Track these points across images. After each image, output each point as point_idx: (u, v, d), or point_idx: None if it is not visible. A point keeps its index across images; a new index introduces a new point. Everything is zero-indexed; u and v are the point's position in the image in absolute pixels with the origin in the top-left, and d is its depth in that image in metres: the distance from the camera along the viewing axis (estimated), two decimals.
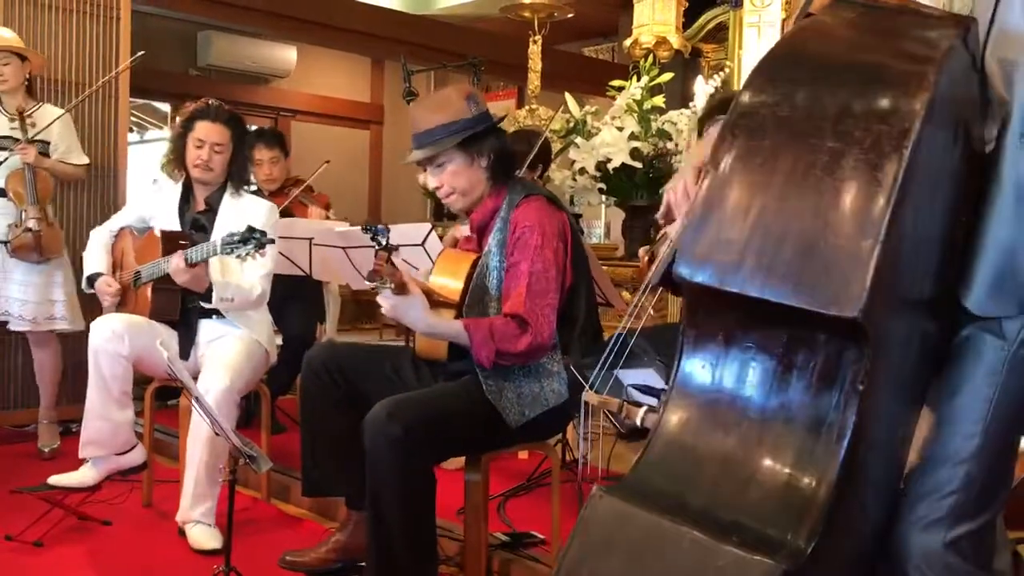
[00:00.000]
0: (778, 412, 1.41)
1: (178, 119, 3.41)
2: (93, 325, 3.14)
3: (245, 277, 3.15)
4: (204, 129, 3.25)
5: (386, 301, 2.33)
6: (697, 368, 1.50)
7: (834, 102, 1.38)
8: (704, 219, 1.41)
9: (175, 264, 3.03)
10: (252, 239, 2.85)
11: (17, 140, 3.75)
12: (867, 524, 1.54)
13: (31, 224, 3.74)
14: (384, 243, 2.26)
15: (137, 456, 3.28)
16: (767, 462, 1.41)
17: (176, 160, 3.34)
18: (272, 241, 2.94)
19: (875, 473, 1.52)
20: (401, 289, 2.31)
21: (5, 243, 3.77)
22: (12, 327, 3.86)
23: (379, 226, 2.28)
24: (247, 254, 2.87)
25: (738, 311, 1.43)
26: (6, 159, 3.75)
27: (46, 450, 3.92)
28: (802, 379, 1.40)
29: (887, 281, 1.30)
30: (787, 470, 1.39)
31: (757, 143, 1.40)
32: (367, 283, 2.28)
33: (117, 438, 3.20)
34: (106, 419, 3.15)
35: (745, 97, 1.46)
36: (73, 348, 3.93)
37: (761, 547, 1.31)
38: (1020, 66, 1.51)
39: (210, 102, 3.33)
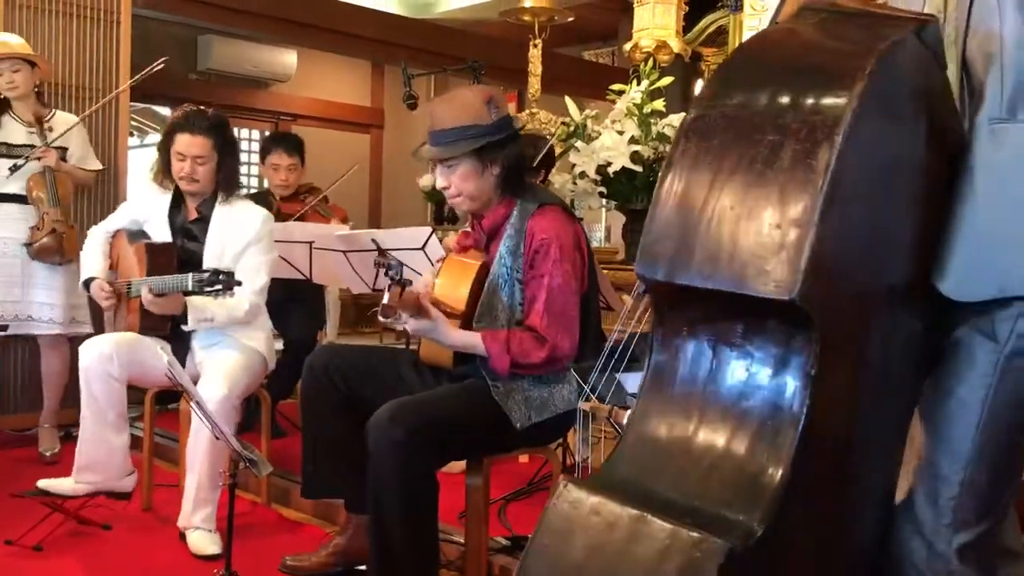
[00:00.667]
0: (739, 400, 1.46)
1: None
2: (82, 348, 3.11)
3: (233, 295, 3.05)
4: (183, 142, 3.19)
5: (410, 324, 2.34)
6: (666, 363, 1.55)
7: (777, 99, 1.44)
8: (658, 218, 1.48)
9: (144, 297, 3.02)
10: (218, 281, 2.83)
11: (34, 147, 3.79)
12: (857, 521, 1.56)
13: (55, 226, 3.78)
14: (397, 278, 2.24)
15: (128, 483, 3.22)
16: (728, 449, 1.45)
17: (163, 171, 3.29)
18: (239, 283, 2.90)
19: (864, 471, 1.54)
20: (420, 313, 2.32)
21: (28, 245, 3.80)
22: (36, 331, 3.87)
23: (392, 261, 2.26)
24: (216, 294, 2.86)
25: (696, 304, 1.49)
26: (25, 164, 3.78)
27: (47, 454, 3.92)
28: (759, 366, 1.45)
29: (833, 267, 1.35)
30: (746, 456, 1.43)
31: (707, 143, 1.47)
32: (380, 319, 2.26)
33: (112, 464, 3.15)
34: (102, 444, 3.11)
35: (699, 101, 1.53)
36: (74, 351, 3.93)
37: (711, 527, 1.35)
38: (994, 58, 1.53)
39: (189, 111, 3.26)
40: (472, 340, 2.41)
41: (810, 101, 1.40)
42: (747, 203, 1.38)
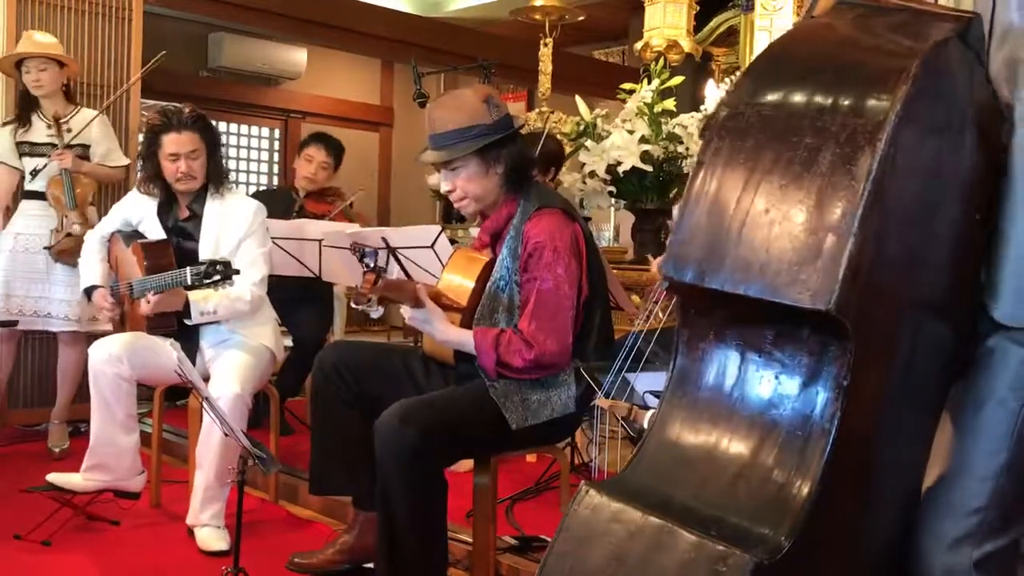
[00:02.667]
0: (767, 409, 1.42)
1: (141, 137, 3.35)
2: (91, 349, 3.10)
3: (232, 288, 3.02)
4: (174, 142, 3.16)
5: (407, 313, 2.35)
6: (690, 367, 1.51)
7: (815, 100, 1.39)
8: (688, 218, 1.43)
9: (143, 307, 3.00)
10: (216, 272, 2.82)
11: (55, 146, 3.82)
12: (878, 530, 1.53)
13: (73, 229, 3.80)
14: (372, 265, 2.26)
15: (138, 483, 3.21)
16: (754, 459, 1.41)
17: (150, 178, 3.26)
18: (237, 272, 2.89)
19: (885, 479, 1.51)
20: (416, 303, 2.33)
21: (48, 248, 3.83)
22: (55, 328, 3.89)
23: (367, 248, 2.28)
24: (215, 284, 2.86)
25: (725, 309, 1.45)
26: (46, 165, 3.81)
27: (56, 450, 3.94)
28: (789, 376, 1.41)
29: (871, 276, 1.30)
30: (772, 467, 1.39)
31: (741, 143, 1.41)
32: (353, 304, 2.27)
33: (122, 464, 3.13)
34: (111, 444, 3.10)
35: (732, 98, 1.47)
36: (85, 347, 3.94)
37: (738, 541, 1.32)
38: (1023, 63, 1.48)
39: (166, 111, 3.23)
40: (463, 337, 2.41)
41: (850, 103, 1.34)
42: (783, 207, 1.33)
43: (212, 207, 3.26)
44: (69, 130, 3.88)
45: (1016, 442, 1.46)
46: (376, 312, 2.30)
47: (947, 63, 1.40)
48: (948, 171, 1.43)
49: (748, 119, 1.42)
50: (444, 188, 2.53)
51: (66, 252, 3.81)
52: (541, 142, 3.70)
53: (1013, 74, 1.49)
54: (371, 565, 2.68)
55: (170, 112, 3.22)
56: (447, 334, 2.42)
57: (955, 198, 1.45)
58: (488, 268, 2.53)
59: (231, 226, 3.23)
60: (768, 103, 1.43)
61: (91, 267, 3.37)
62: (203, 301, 3.09)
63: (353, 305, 2.28)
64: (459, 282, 2.54)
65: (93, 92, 4.41)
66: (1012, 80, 1.49)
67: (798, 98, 1.41)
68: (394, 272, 2.60)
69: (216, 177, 3.28)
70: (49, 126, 3.86)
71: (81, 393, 3.93)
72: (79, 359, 3.95)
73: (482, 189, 2.49)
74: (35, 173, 3.80)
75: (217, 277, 2.84)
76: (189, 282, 2.90)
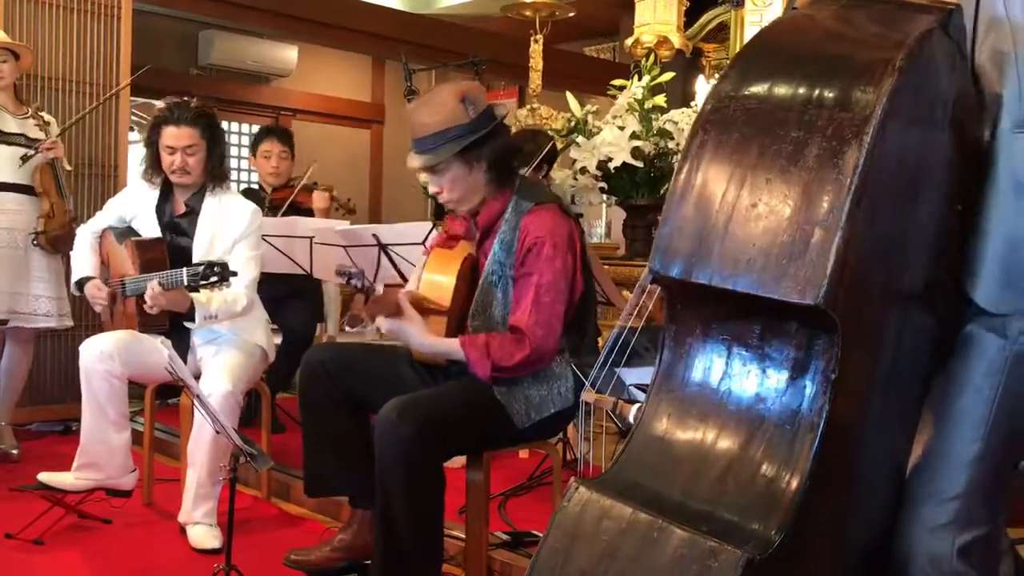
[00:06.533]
0: (754, 404, 1.43)
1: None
2: (82, 347, 3.08)
3: (229, 289, 3.02)
4: (171, 135, 3.16)
5: (385, 323, 2.33)
6: (677, 362, 1.51)
7: (801, 93, 1.39)
8: (675, 213, 1.43)
9: (149, 294, 2.96)
10: (213, 274, 2.81)
11: (24, 135, 3.79)
12: (866, 521, 1.54)
13: (68, 217, 3.82)
14: (361, 286, 2.25)
15: (129, 481, 3.18)
16: (742, 454, 1.42)
17: (152, 167, 3.26)
18: (235, 274, 2.88)
19: (871, 470, 1.52)
20: (396, 312, 2.31)
21: (40, 234, 3.78)
22: (39, 324, 3.85)
23: (352, 270, 2.27)
24: (212, 286, 2.85)
25: (712, 303, 1.45)
26: (35, 154, 3.76)
27: (14, 452, 3.88)
28: (777, 370, 1.41)
29: (857, 269, 1.30)
30: (761, 461, 1.40)
31: (727, 136, 1.42)
32: (347, 328, 2.26)
33: (113, 462, 3.10)
34: (102, 442, 3.08)
35: (717, 92, 1.47)
36: (75, 345, 3.92)
37: (728, 536, 1.32)
38: (1008, 57, 1.49)
39: (172, 103, 3.22)
40: (449, 346, 2.40)
41: (836, 96, 1.34)
42: (770, 201, 1.33)
43: (210, 205, 3.24)
44: (48, 123, 3.86)
45: (992, 429, 1.48)
46: (371, 330, 2.29)
47: (931, 54, 1.40)
48: (931, 162, 1.44)
49: (733, 112, 1.42)
50: (432, 190, 2.54)
51: (60, 240, 3.79)
52: (548, 146, 3.72)
53: (998, 66, 1.51)
54: (368, 562, 2.68)
55: (176, 105, 3.22)
56: (431, 343, 2.41)
57: (938, 189, 1.46)
58: (467, 264, 2.53)
59: (227, 226, 3.21)
60: (753, 96, 1.43)
61: (84, 260, 3.35)
62: (206, 306, 3.08)
63: (347, 328, 2.26)
64: (439, 282, 2.52)
65: (83, 90, 4.40)
66: (997, 71, 1.51)
67: (783, 91, 1.41)
68: (383, 278, 2.59)
69: (215, 175, 3.26)
70: (16, 113, 3.81)
71: (72, 392, 3.91)
72: (29, 360, 3.95)
73: (468, 189, 2.48)
74: (25, 159, 3.75)
75: (215, 279, 2.83)
76: (186, 283, 2.89)
